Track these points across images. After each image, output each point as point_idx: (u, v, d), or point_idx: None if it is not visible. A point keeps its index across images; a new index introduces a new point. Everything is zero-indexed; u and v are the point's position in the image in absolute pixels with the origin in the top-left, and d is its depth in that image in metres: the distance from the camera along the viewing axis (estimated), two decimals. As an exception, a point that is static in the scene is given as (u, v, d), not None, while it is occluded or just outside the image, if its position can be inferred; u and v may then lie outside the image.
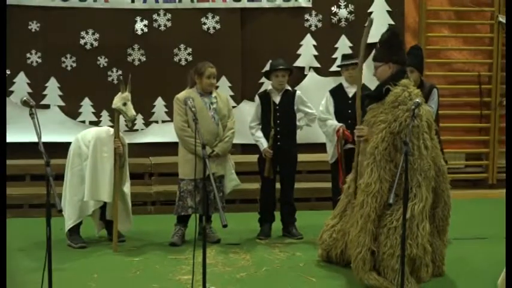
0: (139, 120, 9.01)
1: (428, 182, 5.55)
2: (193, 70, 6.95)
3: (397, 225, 5.38)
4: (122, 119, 6.73)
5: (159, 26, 9.07)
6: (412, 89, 5.65)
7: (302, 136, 7.61)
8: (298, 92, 7.22)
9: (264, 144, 7.04)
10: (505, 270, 4.68)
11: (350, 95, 7.07)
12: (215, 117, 6.84)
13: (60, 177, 6.66)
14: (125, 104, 6.58)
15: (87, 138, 6.69)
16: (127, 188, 6.84)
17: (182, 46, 9.11)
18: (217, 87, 8.96)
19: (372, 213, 5.46)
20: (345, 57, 7.25)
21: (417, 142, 5.48)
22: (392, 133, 5.49)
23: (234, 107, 9.14)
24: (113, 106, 6.63)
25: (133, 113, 6.66)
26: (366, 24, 6.14)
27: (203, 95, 6.83)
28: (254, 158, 7.31)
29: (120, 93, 6.63)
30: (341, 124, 6.96)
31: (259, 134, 7.11)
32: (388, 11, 9.28)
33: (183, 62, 9.01)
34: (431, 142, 5.64)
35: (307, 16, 9.31)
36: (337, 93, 7.14)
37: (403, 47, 5.99)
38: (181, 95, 6.89)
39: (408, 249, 5.35)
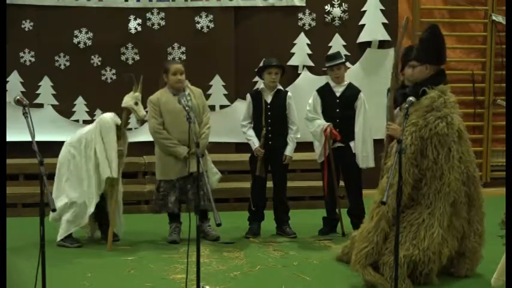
0: (133, 119, 9.00)
1: (449, 192, 5.45)
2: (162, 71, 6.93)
3: (406, 225, 5.37)
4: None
5: (153, 24, 9.06)
6: (449, 96, 5.55)
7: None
8: (289, 94, 7.18)
9: (255, 143, 7.03)
10: (499, 268, 4.71)
11: (337, 94, 7.10)
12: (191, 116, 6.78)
13: (53, 177, 6.66)
14: (136, 104, 6.60)
15: (80, 135, 6.69)
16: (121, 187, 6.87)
17: (176, 45, 9.10)
18: (210, 86, 9.04)
19: (389, 213, 5.41)
20: (329, 57, 7.23)
21: (442, 151, 5.41)
22: (422, 138, 5.42)
23: (227, 105, 9.17)
24: (124, 105, 6.62)
25: (144, 113, 6.69)
26: (402, 25, 5.92)
27: (176, 94, 6.67)
28: (247, 157, 7.29)
29: (132, 92, 6.62)
30: (328, 123, 6.98)
31: (251, 132, 7.09)
32: (381, 10, 9.30)
33: (176, 61, 9.01)
34: (461, 151, 5.54)
35: (300, 15, 9.31)
36: (325, 92, 7.15)
37: (442, 48, 5.70)
38: (153, 96, 6.84)
39: (410, 249, 5.35)
